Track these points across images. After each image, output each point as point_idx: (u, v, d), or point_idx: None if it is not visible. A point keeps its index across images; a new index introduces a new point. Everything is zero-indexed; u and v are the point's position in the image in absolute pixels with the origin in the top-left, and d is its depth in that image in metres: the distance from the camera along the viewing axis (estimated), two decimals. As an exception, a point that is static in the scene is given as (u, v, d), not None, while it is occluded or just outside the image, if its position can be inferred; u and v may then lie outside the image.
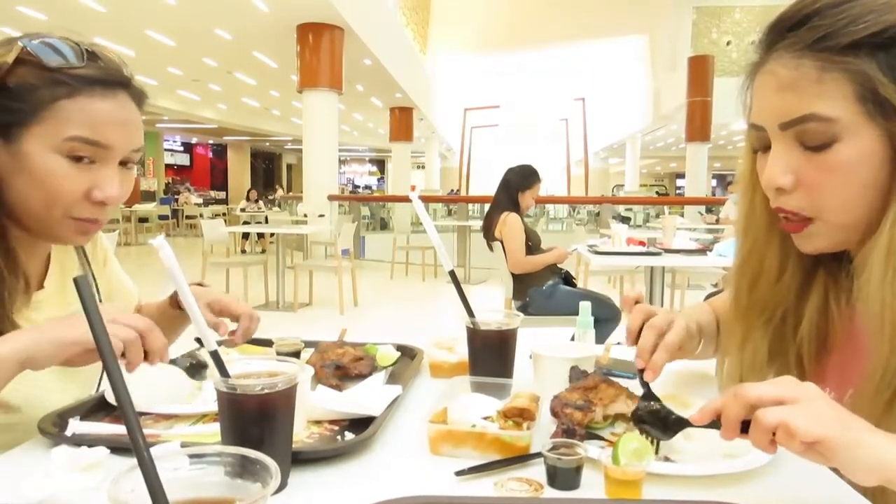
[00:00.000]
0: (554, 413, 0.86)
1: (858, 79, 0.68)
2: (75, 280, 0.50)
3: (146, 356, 0.81)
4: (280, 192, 18.66)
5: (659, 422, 0.75)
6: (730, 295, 0.91)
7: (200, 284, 1.16)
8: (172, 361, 1.06)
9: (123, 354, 0.78)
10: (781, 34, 0.74)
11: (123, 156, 0.94)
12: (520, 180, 4.00)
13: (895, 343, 0.70)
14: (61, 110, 0.87)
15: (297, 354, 1.17)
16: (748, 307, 0.88)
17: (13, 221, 0.92)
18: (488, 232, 4.05)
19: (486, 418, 0.83)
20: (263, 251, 10.53)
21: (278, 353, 1.16)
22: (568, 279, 3.95)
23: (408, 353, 1.24)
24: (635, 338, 0.92)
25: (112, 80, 0.92)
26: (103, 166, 0.92)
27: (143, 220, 15.00)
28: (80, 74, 0.88)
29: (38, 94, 0.87)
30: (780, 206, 0.77)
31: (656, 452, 0.77)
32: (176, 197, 19.79)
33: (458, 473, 0.73)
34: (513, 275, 3.89)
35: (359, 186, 37.04)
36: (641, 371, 0.88)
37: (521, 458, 0.77)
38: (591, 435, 0.83)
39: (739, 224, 0.88)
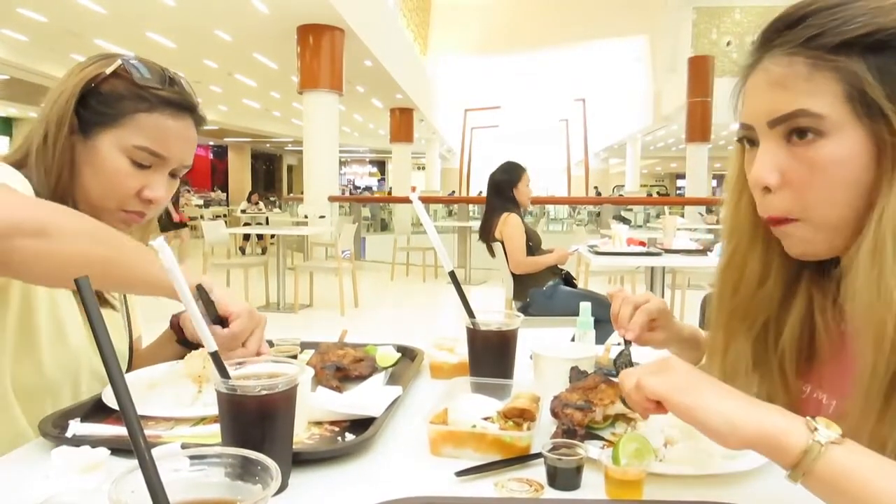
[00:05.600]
0: (554, 413, 0.86)
1: (848, 78, 0.70)
2: (76, 281, 0.50)
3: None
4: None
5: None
6: (714, 298, 0.92)
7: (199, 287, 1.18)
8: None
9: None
10: (776, 34, 0.75)
11: (174, 168, 1.10)
12: (508, 178, 3.99)
13: (881, 346, 0.68)
14: (138, 121, 1.03)
15: (293, 358, 1.18)
16: (730, 313, 0.88)
17: (76, 206, 1.03)
18: (488, 235, 4.03)
19: (486, 419, 0.83)
20: (264, 251, 10.54)
21: (274, 360, 1.16)
22: (568, 280, 3.95)
23: (408, 354, 1.24)
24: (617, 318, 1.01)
25: (184, 104, 1.08)
26: (156, 172, 1.07)
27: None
28: (161, 95, 1.05)
29: (124, 104, 1.03)
30: (769, 214, 0.78)
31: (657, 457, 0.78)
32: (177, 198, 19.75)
33: (459, 474, 0.74)
34: (513, 275, 3.89)
35: (359, 187, 37.04)
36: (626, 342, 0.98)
37: (522, 458, 0.77)
38: (591, 435, 0.83)
39: (725, 226, 0.90)
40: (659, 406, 0.67)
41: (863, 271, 0.70)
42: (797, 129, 0.72)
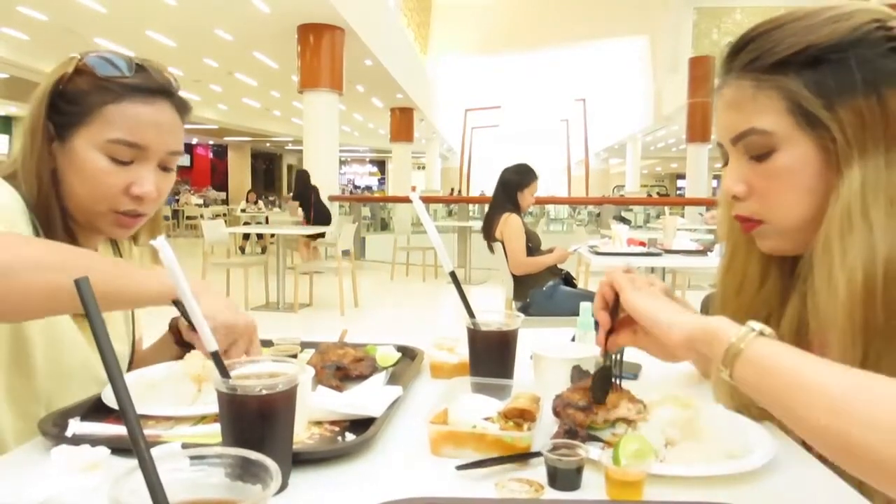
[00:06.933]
0: (556, 413, 0.86)
1: (787, 94, 0.77)
2: (76, 282, 0.50)
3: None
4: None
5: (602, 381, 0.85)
6: (718, 298, 0.97)
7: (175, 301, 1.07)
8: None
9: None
10: (729, 60, 0.83)
11: (160, 157, 1.05)
12: (517, 179, 4.01)
13: (840, 340, 0.74)
14: (107, 114, 0.99)
15: (293, 358, 1.17)
16: (735, 311, 0.91)
17: (68, 213, 1.04)
18: (489, 233, 4.05)
19: (486, 419, 0.83)
20: (263, 250, 10.54)
21: (274, 359, 1.15)
22: (568, 280, 3.95)
23: (408, 354, 1.24)
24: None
25: (153, 88, 1.03)
26: (141, 166, 1.03)
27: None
28: (126, 83, 1.01)
29: (89, 99, 0.99)
30: (737, 213, 0.86)
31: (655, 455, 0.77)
32: (176, 198, 19.75)
33: (460, 468, 0.74)
34: (513, 275, 3.89)
35: (359, 187, 37.04)
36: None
37: (523, 456, 0.77)
38: (591, 436, 0.83)
39: (722, 231, 0.96)
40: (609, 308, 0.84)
41: (816, 269, 0.78)
42: (751, 147, 0.81)
